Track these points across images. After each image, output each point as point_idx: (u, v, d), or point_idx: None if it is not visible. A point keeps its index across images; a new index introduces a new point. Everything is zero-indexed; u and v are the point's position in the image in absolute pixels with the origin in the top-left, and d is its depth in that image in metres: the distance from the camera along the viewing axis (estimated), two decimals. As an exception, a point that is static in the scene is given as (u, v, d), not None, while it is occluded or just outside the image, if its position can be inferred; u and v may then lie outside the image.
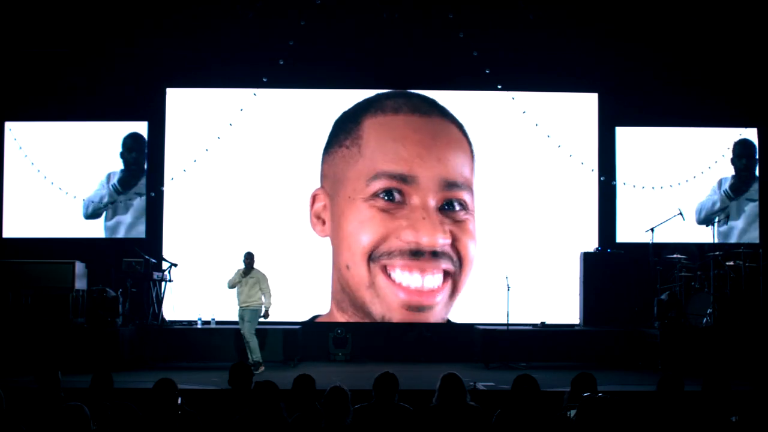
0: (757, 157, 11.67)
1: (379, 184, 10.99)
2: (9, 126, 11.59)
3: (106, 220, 11.54)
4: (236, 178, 11.45)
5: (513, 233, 11.37)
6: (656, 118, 11.63)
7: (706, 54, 11.37)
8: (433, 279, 10.93)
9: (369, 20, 10.82)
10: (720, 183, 11.57)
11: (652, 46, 11.23)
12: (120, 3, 10.85)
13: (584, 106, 11.68)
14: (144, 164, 11.62)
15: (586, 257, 11.05)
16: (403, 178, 10.98)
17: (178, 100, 11.63)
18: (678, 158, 11.64)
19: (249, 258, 9.71)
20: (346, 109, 11.44)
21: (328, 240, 11.22)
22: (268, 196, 11.40)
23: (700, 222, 11.50)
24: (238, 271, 9.73)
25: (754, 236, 11.48)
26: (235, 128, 11.43)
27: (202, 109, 11.56)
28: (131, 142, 11.61)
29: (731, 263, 10.03)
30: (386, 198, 10.94)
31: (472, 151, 11.36)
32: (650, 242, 10.74)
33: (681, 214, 11.05)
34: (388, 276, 10.90)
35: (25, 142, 11.55)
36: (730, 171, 11.66)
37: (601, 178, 11.56)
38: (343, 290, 11.13)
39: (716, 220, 11.24)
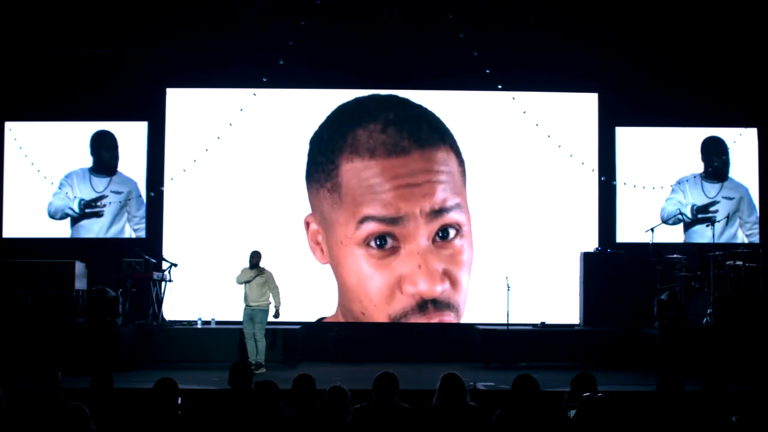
0: (759, 156, 11.68)
1: (368, 229, 10.81)
2: (9, 126, 11.59)
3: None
4: (236, 178, 11.45)
5: (513, 233, 11.37)
6: (656, 118, 11.64)
7: (706, 54, 11.37)
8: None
9: (369, 20, 10.82)
10: (683, 186, 11.55)
11: (652, 46, 11.24)
12: (120, 3, 10.85)
13: (584, 106, 11.68)
14: (116, 163, 11.57)
15: (586, 257, 11.05)
16: (392, 220, 10.82)
17: (178, 100, 11.63)
18: (678, 158, 11.65)
19: (256, 257, 9.69)
20: (318, 125, 11.31)
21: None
22: (267, 196, 11.40)
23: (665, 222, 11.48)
24: (244, 269, 9.71)
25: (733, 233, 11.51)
26: (235, 128, 11.43)
27: (202, 109, 11.56)
28: (106, 140, 11.60)
29: (731, 263, 10.03)
30: (378, 244, 10.81)
31: (460, 160, 11.26)
32: (650, 242, 10.74)
33: (682, 214, 11.06)
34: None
35: (25, 142, 11.55)
36: (731, 171, 11.66)
37: (601, 178, 11.57)
38: (347, 312, 11.16)
39: (717, 220, 11.23)
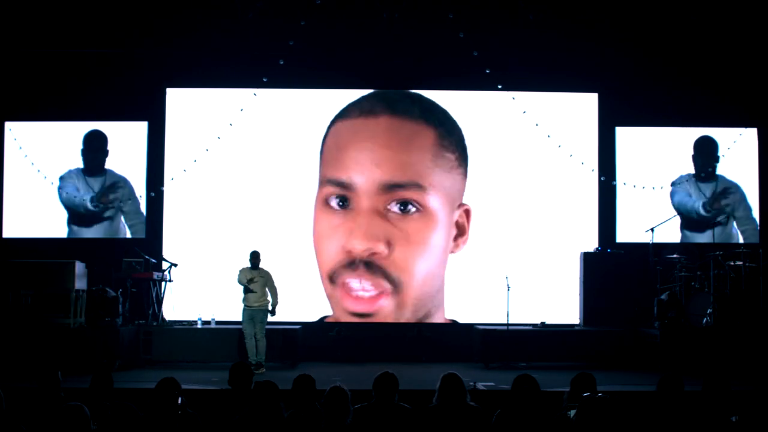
0: (759, 156, 11.68)
1: (325, 191, 11.12)
2: (9, 126, 11.59)
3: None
4: (236, 178, 11.45)
5: (513, 233, 11.37)
6: (656, 118, 11.64)
7: (706, 54, 11.37)
8: (367, 289, 10.94)
9: (369, 20, 10.82)
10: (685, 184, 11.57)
11: (653, 47, 11.24)
12: (120, 3, 10.85)
13: (584, 106, 11.68)
14: (104, 161, 11.59)
15: (586, 257, 11.04)
16: (346, 186, 11.02)
17: (178, 100, 11.63)
18: (678, 158, 11.65)
19: (255, 257, 9.70)
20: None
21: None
22: (268, 196, 11.40)
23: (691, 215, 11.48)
24: (243, 269, 9.71)
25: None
26: (235, 128, 11.44)
27: (202, 109, 11.56)
28: (93, 141, 11.61)
29: (731, 263, 10.03)
30: (340, 204, 11.00)
31: (441, 141, 11.28)
32: (650, 242, 10.75)
33: (682, 213, 11.08)
34: (343, 287, 10.96)
35: (25, 142, 11.55)
36: (731, 171, 11.66)
37: (601, 178, 11.57)
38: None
39: (718, 220, 11.24)
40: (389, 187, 10.99)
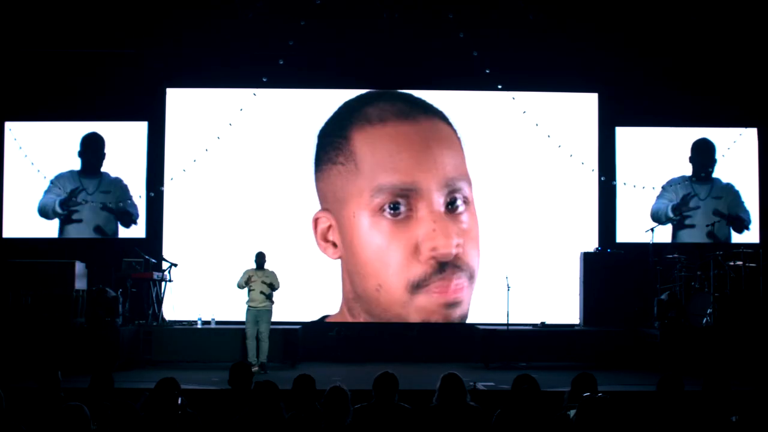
0: (759, 156, 11.68)
1: (384, 198, 10.96)
2: (9, 126, 11.59)
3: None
4: (236, 178, 11.45)
5: (513, 233, 11.37)
6: (656, 118, 11.64)
7: (705, 54, 11.37)
8: (456, 285, 11.00)
9: (369, 20, 10.82)
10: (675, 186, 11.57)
11: (652, 47, 11.23)
12: (120, 3, 10.85)
13: (584, 106, 11.68)
14: (101, 164, 11.58)
15: (586, 257, 11.04)
16: (407, 189, 10.97)
17: (178, 100, 11.63)
18: (678, 158, 11.65)
19: (261, 258, 9.69)
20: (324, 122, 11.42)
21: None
22: (267, 195, 11.40)
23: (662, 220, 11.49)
24: (247, 270, 9.70)
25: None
26: (235, 128, 11.44)
27: (202, 109, 11.56)
28: (91, 143, 11.60)
29: (731, 263, 10.03)
30: (392, 210, 10.94)
31: (459, 140, 11.37)
32: (650, 242, 10.75)
33: (681, 214, 11.07)
34: (427, 291, 10.95)
35: (25, 142, 11.55)
36: (731, 171, 11.66)
37: (601, 178, 11.57)
38: (359, 299, 11.17)
39: (718, 221, 11.25)
40: (449, 184, 11.06)
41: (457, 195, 11.09)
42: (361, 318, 11.16)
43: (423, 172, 11.04)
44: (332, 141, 11.32)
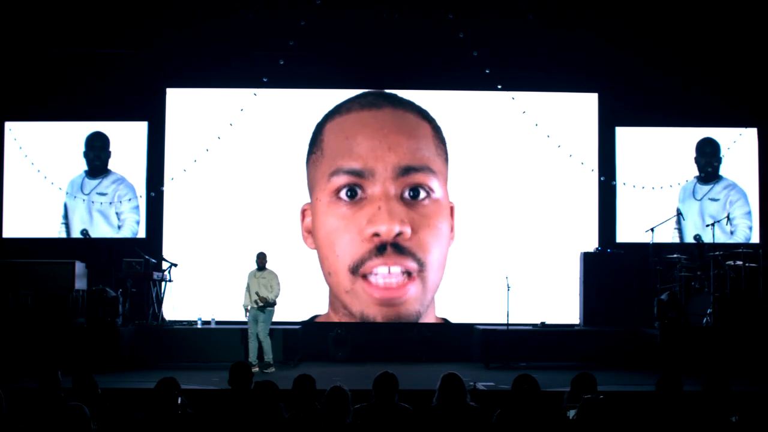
0: (759, 156, 11.68)
1: (339, 180, 11.04)
2: (9, 126, 11.59)
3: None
4: (236, 178, 11.45)
5: (513, 233, 11.37)
6: (656, 118, 11.64)
7: (706, 54, 11.37)
8: (395, 275, 10.89)
9: (369, 20, 10.81)
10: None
11: (653, 47, 11.23)
12: (120, 3, 10.85)
13: (584, 106, 11.68)
14: (106, 163, 11.59)
15: (586, 257, 11.04)
16: (360, 173, 11.01)
17: (178, 100, 11.63)
18: (678, 158, 11.65)
19: (262, 259, 9.70)
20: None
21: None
22: (268, 195, 11.40)
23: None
24: (250, 273, 9.71)
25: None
26: (235, 128, 11.44)
27: (202, 109, 11.56)
28: (95, 141, 11.60)
29: (731, 263, 10.03)
30: (349, 195, 10.97)
31: (436, 133, 11.35)
32: (650, 242, 10.74)
33: (681, 214, 11.07)
34: (365, 279, 10.92)
35: (25, 142, 11.55)
36: (731, 171, 11.66)
37: (601, 178, 11.57)
38: (330, 291, 11.21)
39: (720, 221, 11.24)
40: (404, 171, 11.03)
41: (416, 184, 11.00)
42: (340, 313, 11.14)
43: (376, 158, 11.05)
44: (313, 135, 11.44)
